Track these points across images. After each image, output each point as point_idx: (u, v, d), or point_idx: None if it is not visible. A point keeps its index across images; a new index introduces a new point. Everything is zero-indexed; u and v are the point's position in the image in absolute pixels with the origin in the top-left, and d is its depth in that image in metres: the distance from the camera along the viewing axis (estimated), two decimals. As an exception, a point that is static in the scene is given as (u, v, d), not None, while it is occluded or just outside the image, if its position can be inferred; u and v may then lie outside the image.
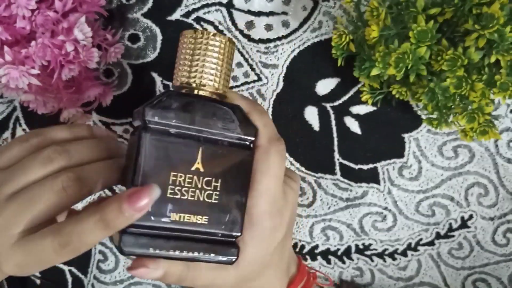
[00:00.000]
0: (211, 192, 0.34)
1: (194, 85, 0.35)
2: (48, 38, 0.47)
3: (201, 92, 0.35)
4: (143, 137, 0.33)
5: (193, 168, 0.33)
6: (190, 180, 0.33)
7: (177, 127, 0.33)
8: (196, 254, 0.34)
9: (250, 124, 0.36)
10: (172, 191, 0.33)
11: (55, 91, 0.51)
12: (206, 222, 0.34)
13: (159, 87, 0.58)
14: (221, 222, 0.34)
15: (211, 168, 0.34)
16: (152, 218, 0.33)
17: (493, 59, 0.45)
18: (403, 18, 0.47)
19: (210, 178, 0.34)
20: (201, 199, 0.34)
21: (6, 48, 0.47)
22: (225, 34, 0.35)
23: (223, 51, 0.36)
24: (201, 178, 0.34)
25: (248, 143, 0.36)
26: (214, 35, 0.35)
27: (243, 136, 0.36)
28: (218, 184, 0.34)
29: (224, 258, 0.35)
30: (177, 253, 0.34)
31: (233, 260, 0.36)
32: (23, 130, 0.59)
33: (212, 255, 0.35)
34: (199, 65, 0.35)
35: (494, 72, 0.47)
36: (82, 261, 0.63)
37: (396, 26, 0.47)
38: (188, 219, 0.33)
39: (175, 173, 0.33)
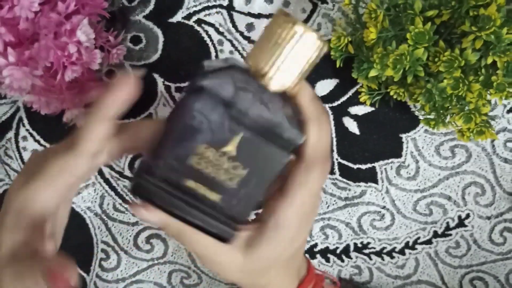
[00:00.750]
0: (234, 176, 0.33)
1: (267, 75, 0.32)
2: (51, 40, 0.48)
3: (270, 85, 0.32)
4: (191, 98, 0.31)
5: (225, 149, 0.32)
6: (218, 158, 0.32)
7: (228, 104, 0.31)
8: (196, 221, 0.33)
9: (302, 129, 0.34)
10: (198, 161, 0.32)
11: (58, 92, 0.52)
12: (217, 200, 0.33)
13: (161, 88, 0.59)
14: (232, 208, 0.33)
15: (243, 156, 0.32)
16: (170, 175, 0.32)
17: (489, 60, 0.46)
18: (401, 20, 0.47)
19: (238, 164, 0.32)
20: (222, 179, 0.32)
21: (9, 49, 0.48)
22: (321, 36, 0.32)
23: (314, 52, 0.33)
24: (230, 160, 0.32)
25: (290, 147, 0.33)
26: (312, 32, 0.32)
27: (289, 138, 0.33)
28: (244, 173, 0.33)
29: (221, 235, 0.34)
30: (178, 212, 0.33)
31: (229, 239, 0.35)
32: (27, 130, 0.60)
33: (211, 229, 0.34)
34: (283, 59, 0.32)
35: (490, 73, 0.47)
36: (84, 260, 0.63)
37: (394, 28, 0.47)
38: (202, 191, 0.32)
39: (207, 146, 0.31)
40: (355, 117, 0.59)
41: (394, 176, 0.60)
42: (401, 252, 0.62)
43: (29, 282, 0.30)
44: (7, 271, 0.31)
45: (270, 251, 0.37)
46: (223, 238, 0.34)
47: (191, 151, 0.31)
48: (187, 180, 0.32)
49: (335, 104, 0.59)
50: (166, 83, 0.59)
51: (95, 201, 0.62)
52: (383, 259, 0.62)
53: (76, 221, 0.62)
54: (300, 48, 0.32)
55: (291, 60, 0.32)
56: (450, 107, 0.50)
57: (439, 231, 0.61)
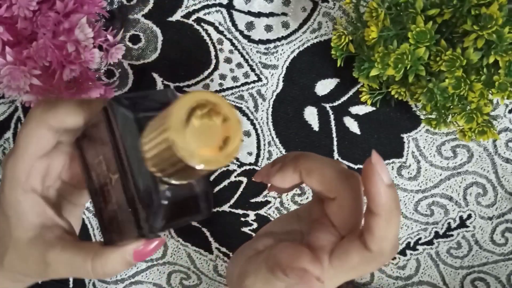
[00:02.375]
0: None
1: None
2: (49, 39, 0.48)
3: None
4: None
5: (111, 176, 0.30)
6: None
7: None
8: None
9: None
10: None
11: (56, 91, 0.52)
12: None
13: (160, 87, 0.59)
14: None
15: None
16: None
17: (491, 59, 0.46)
18: (402, 19, 0.47)
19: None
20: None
21: (7, 48, 0.47)
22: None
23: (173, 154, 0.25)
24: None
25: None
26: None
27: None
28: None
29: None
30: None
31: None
32: (24, 130, 0.60)
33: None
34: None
35: (492, 73, 0.47)
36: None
37: (395, 27, 0.47)
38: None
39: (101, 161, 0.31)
40: (356, 117, 0.59)
41: (395, 176, 0.60)
42: (402, 253, 0.62)
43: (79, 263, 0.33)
44: (56, 257, 0.34)
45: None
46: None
47: (97, 151, 0.31)
48: (91, 172, 0.32)
49: (336, 103, 0.59)
50: (165, 82, 0.59)
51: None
52: (384, 260, 0.62)
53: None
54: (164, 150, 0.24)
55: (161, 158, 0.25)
56: (451, 106, 0.50)
57: (441, 232, 0.61)
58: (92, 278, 0.32)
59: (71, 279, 0.63)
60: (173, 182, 0.27)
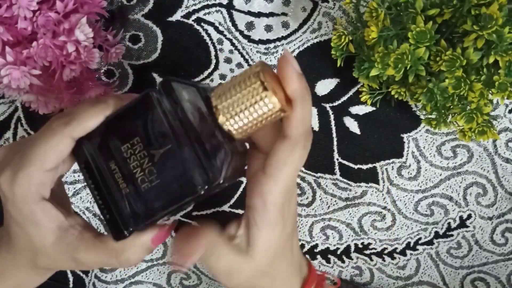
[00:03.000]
0: (145, 180, 0.34)
1: (220, 113, 0.33)
2: (49, 39, 0.48)
3: (218, 119, 0.33)
4: (151, 91, 0.34)
5: (152, 152, 0.34)
6: (143, 157, 0.34)
7: (172, 112, 0.33)
8: (100, 201, 0.35)
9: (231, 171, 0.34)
10: (127, 150, 0.34)
11: (56, 91, 0.52)
12: (124, 193, 0.34)
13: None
14: (133, 206, 0.35)
15: (162, 167, 0.34)
16: (102, 150, 0.35)
17: (491, 59, 0.46)
18: (402, 19, 0.47)
19: (154, 172, 0.34)
20: (137, 176, 0.34)
21: (7, 48, 0.47)
22: (281, 108, 0.32)
23: (269, 116, 0.32)
24: (149, 164, 0.33)
25: (209, 184, 0.33)
26: (272, 95, 0.31)
27: (210, 175, 0.33)
28: (155, 183, 0.34)
29: (114, 229, 0.36)
30: (91, 185, 0.35)
31: (118, 236, 0.36)
32: (25, 130, 0.60)
33: (109, 216, 0.35)
34: (239, 111, 0.32)
35: (492, 73, 0.47)
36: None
37: (395, 27, 0.47)
38: (117, 177, 0.34)
39: (139, 140, 0.33)
40: (356, 117, 0.59)
41: (395, 176, 0.60)
42: (402, 253, 0.62)
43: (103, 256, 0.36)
44: (82, 257, 0.36)
45: (268, 239, 0.37)
46: (114, 233, 0.35)
47: (127, 136, 0.33)
48: (112, 161, 0.34)
49: (336, 103, 0.59)
50: (166, 82, 0.58)
51: (94, 202, 0.62)
52: (384, 260, 0.62)
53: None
54: (259, 109, 0.32)
55: (246, 115, 0.32)
56: (451, 106, 0.50)
57: (441, 232, 0.61)
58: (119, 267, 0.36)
59: (71, 279, 0.63)
60: (237, 135, 0.33)
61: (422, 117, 0.58)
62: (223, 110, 0.32)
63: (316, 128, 0.59)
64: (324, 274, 0.50)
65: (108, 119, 0.35)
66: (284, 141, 0.34)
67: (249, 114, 0.32)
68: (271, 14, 0.58)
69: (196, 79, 0.59)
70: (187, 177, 0.33)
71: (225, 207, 0.61)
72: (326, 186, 0.60)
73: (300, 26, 0.58)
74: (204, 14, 0.58)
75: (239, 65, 0.58)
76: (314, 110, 0.59)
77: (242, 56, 0.58)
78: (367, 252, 0.62)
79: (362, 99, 0.56)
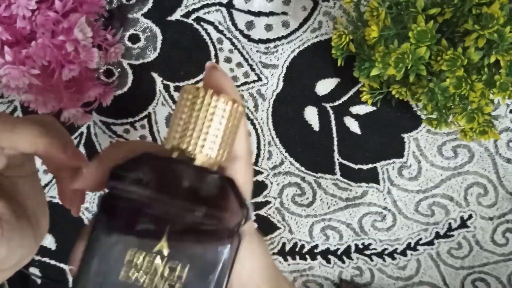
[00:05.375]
0: (174, 280, 0.28)
1: (186, 150, 0.29)
2: (48, 38, 0.48)
3: (195, 159, 0.29)
4: (101, 202, 0.28)
5: (157, 248, 0.28)
6: (152, 262, 0.28)
7: (146, 197, 0.28)
8: None
9: (243, 205, 0.29)
10: (128, 273, 0.28)
11: (55, 91, 0.52)
12: None
13: (159, 87, 0.59)
14: None
15: (178, 251, 0.28)
16: None
17: (492, 59, 0.46)
18: (403, 18, 0.47)
19: (175, 262, 0.28)
20: (162, 286, 0.28)
21: (6, 48, 0.47)
22: (232, 98, 0.29)
23: (226, 117, 0.29)
24: (165, 261, 0.28)
25: (226, 232, 0.29)
26: (217, 96, 0.28)
27: (224, 224, 0.28)
28: (185, 271, 0.28)
29: None
30: None
31: None
32: (24, 130, 0.60)
33: None
34: (195, 129, 0.28)
35: (493, 72, 0.47)
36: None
37: (396, 26, 0.47)
38: None
39: (135, 251, 0.28)
40: (356, 117, 0.59)
41: (396, 177, 0.60)
42: (403, 253, 0.62)
43: None
44: None
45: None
46: None
47: (119, 263, 0.27)
48: None
49: (336, 103, 0.59)
50: (165, 82, 0.58)
51: (93, 202, 0.62)
52: (384, 260, 0.62)
53: (73, 222, 0.62)
54: (212, 114, 0.28)
55: (207, 128, 0.28)
56: (452, 106, 0.49)
57: (441, 232, 0.61)
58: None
59: (70, 279, 0.63)
60: (219, 157, 0.29)
61: (423, 117, 0.58)
62: (192, 144, 0.28)
63: (317, 128, 0.59)
64: None
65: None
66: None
67: (217, 128, 0.28)
68: (271, 13, 0.58)
69: (196, 79, 0.59)
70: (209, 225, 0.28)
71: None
72: (327, 186, 0.60)
73: (301, 25, 0.58)
74: (204, 13, 0.57)
75: (239, 65, 0.58)
76: (315, 110, 0.59)
77: (242, 55, 0.58)
78: (368, 252, 0.62)
79: (362, 99, 0.56)
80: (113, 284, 0.27)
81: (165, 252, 0.28)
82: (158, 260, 0.28)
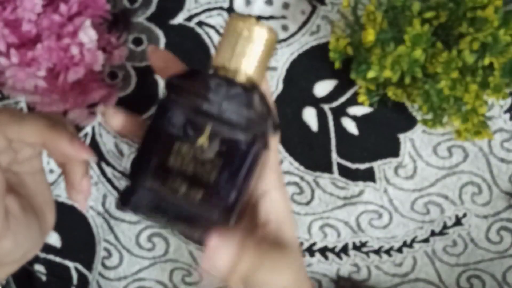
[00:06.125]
0: (212, 168, 0.33)
1: (231, 68, 0.34)
2: (53, 41, 0.48)
3: (236, 77, 0.34)
4: (165, 97, 0.34)
5: (199, 142, 0.32)
6: (196, 152, 0.32)
7: (196, 104, 0.33)
8: (182, 225, 0.34)
9: (272, 118, 0.35)
10: (176, 160, 0.33)
11: (60, 92, 0.52)
12: (200, 196, 0.33)
13: (162, 90, 0.59)
14: (218, 202, 0.33)
15: (215, 148, 0.32)
16: (153, 182, 0.33)
17: (487, 61, 0.46)
18: (399, 22, 0.48)
19: (212, 155, 0.32)
20: (201, 172, 0.33)
21: (12, 50, 0.48)
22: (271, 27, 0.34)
23: (266, 42, 0.34)
24: (206, 152, 0.32)
25: (261, 137, 0.34)
26: (258, 24, 0.34)
27: (259, 128, 0.34)
28: (220, 164, 0.33)
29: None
30: (164, 218, 0.34)
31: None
32: (28, 130, 0.60)
33: (199, 227, 0.34)
34: (242, 51, 0.34)
35: (487, 74, 0.47)
36: (87, 258, 0.64)
37: (392, 29, 0.48)
38: (184, 189, 0.33)
39: (181, 143, 0.33)
40: (353, 118, 0.60)
41: (392, 176, 0.60)
42: (399, 250, 0.63)
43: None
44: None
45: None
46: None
47: (167, 152, 0.33)
48: (172, 181, 0.33)
49: (334, 105, 0.59)
50: (167, 83, 0.59)
51: (98, 200, 0.62)
52: (381, 257, 0.63)
53: (78, 220, 0.62)
54: (256, 41, 0.34)
55: (249, 52, 0.34)
56: (447, 107, 0.50)
57: (437, 230, 0.62)
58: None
59: (75, 277, 0.64)
60: (256, 77, 0.34)
61: (418, 117, 0.59)
62: (234, 62, 0.34)
63: (315, 129, 0.60)
64: None
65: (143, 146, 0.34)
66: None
67: (254, 50, 0.34)
68: (271, 17, 0.58)
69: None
70: (247, 129, 0.33)
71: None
72: (325, 185, 0.61)
73: (299, 28, 0.58)
74: (206, 18, 0.58)
75: (239, 67, 0.59)
76: (313, 111, 0.59)
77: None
78: (365, 249, 0.63)
79: (359, 100, 0.57)
80: (166, 171, 0.33)
81: (206, 144, 0.33)
82: (200, 151, 0.33)
